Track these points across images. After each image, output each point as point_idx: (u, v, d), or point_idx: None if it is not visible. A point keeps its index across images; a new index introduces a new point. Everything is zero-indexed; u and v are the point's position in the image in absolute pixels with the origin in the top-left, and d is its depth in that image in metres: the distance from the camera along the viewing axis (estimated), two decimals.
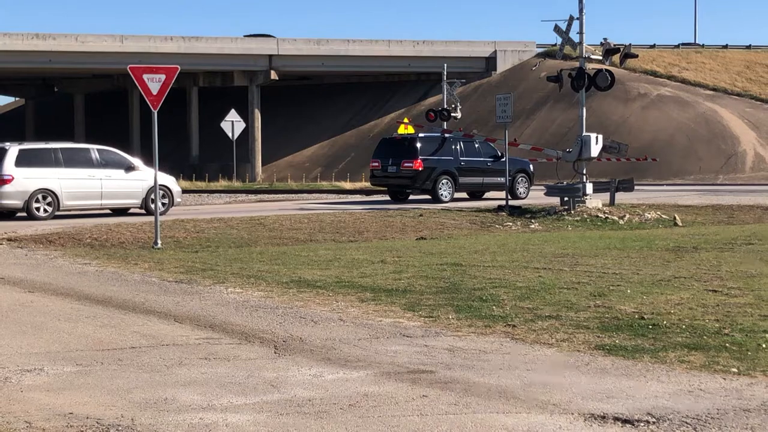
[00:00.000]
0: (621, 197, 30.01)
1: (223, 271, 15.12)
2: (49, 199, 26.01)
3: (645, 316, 10.45)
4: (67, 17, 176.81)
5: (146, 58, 55.82)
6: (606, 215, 26.66)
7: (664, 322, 10.11)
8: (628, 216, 26.61)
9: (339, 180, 55.58)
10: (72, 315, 11.43)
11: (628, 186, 29.80)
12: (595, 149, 28.18)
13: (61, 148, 27.00)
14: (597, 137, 28.35)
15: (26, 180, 25.69)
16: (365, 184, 45.36)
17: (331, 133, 68.87)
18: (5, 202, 25.79)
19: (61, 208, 26.24)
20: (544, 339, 9.62)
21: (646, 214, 26.98)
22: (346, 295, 12.49)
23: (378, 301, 11.92)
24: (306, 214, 27.25)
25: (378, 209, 29.21)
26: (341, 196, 41.65)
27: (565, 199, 27.83)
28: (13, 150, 25.94)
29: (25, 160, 25.86)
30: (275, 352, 9.26)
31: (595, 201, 27.98)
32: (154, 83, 19.38)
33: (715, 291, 12.15)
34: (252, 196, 42.81)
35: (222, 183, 54.92)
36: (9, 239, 20.67)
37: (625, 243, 18.92)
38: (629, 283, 12.90)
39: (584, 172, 28.29)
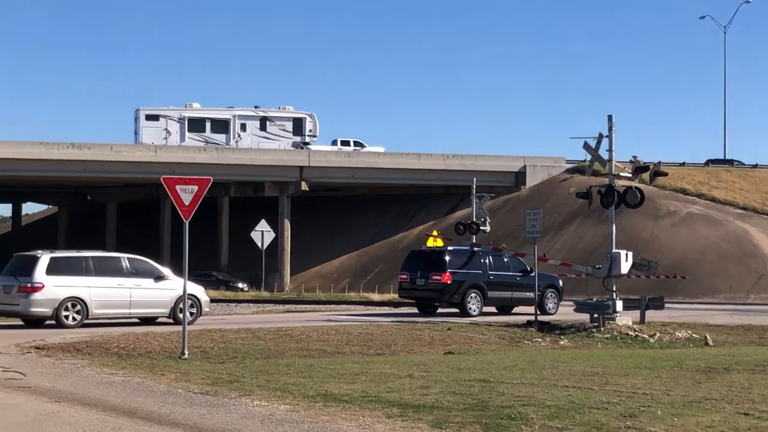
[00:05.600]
0: (651, 315, 29.74)
1: (250, 383, 15.03)
2: (78, 307, 26.08)
3: None
4: (101, 127, 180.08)
5: (179, 168, 56.56)
6: (636, 333, 26.43)
7: None
8: (658, 334, 26.36)
9: (367, 291, 55.50)
10: (97, 427, 11.36)
11: (658, 304, 29.57)
12: (625, 266, 28.07)
13: (91, 257, 27.18)
14: (627, 254, 28.25)
15: (56, 288, 25.81)
16: (393, 296, 45.27)
17: (360, 244, 69.07)
18: (35, 309, 25.89)
19: (89, 317, 26.29)
20: None
21: (676, 333, 26.71)
22: (372, 410, 12.36)
23: (405, 417, 11.79)
24: (334, 325, 27.16)
25: (406, 322, 29.08)
26: (369, 307, 41.55)
27: (595, 315, 27.63)
28: (44, 258, 26.15)
29: (55, 268, 26.03)
30: None
31: (625, 318, 27.76)
32: (186, 194, 19.57)
33: (747, 414, 11.95)
34: (280, 307, 42.79)
35: (250, 293, 54.99)
36: (37, 347, 20.68)
37: (655, 362, 18.71)
38: (660, 404, 12.71)
39: (614, 288, 28.15)
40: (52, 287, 25.77)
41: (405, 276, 34.39)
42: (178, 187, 19.60)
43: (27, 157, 61.20)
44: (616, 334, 26.35)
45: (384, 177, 68.77)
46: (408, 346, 23.09)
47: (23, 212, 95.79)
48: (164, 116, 67.21)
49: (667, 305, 31.65)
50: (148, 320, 27.67)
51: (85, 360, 18.75)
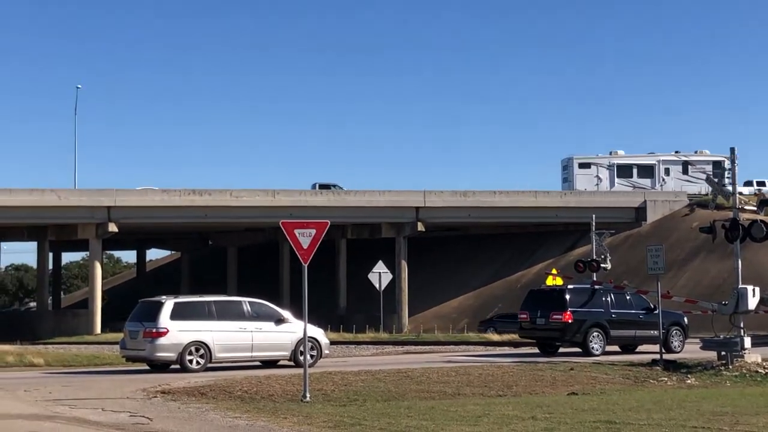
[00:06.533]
0: None
1: (371, 426, 14.99)
2: (202, 351, 26.45)
3: None
4: (220, 173, 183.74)
5: (297, 212, 57.31)
6: (766, 371, 25.63)
7: None
8: None
9: (486, 331, 55.05)
10: None
11: None
12: (753, 302, 27.32)
13: (214, 301, 27.60)
14: (754, 289, 27.52)
15: (180, 333, 26.23)
16: (513, 336, 44.82)
17: (478, 284, 68.69)
18: (160, 354, 26.34)
19: (213, 360, 26.64)
20: None
21: None
22: None
23: None
24: (453, 366, 26.99)
25: (527, 362, 28.73)
26: (489, 348, 41.21)
27: (723, 353, 26.91)
28: (168, 303, 26.64)
29: (179, 313, 26.48)
30: None
31: (753, 356, 26.97)
32: (305, 238, 19.75)
33: None
34: (399, 348, 42.75)
35: (369, 334, 55.03)
36: (163, 392, 21.02)
37: None
38: None
39: (741, 325, 27.39)
40: (176, 332, 26.20)
41: (525, 315, 34.01)
42: (296, 231, 19.80)
43: (150, 204, 62.70)
44: (745, 371, 25.61)
45: (500, 216, 68.39)
46: (530, 387, 22.79)
47: (147, 258, 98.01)
48: (595, 164, 72.44)
49: None
50: (269, 363, 27.91)
51: (209, 404, 18.96)
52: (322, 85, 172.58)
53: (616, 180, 71.61)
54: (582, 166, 71.63)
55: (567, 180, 72.40)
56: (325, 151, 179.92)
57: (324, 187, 70.20)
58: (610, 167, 71.70)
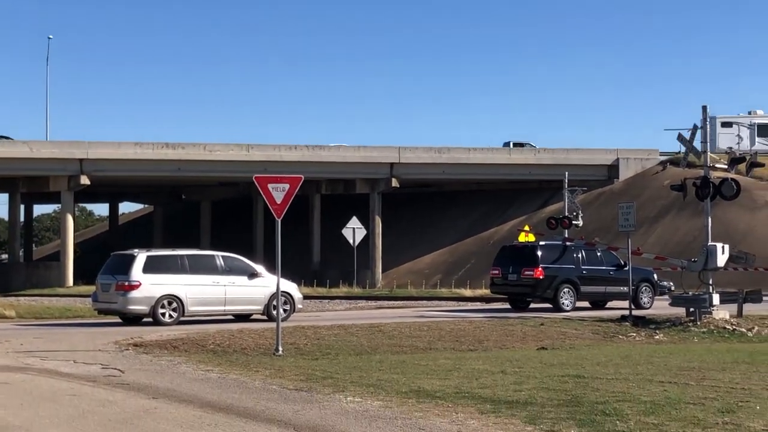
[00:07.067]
0: (749, 308, 29.20)
1: (343, 379, 15.12)
2: (175, 304, 26.51)
3: None
4: (194, 127, 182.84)
5: (271, 167, 57.14)
6: (734, 327, 25.96)
7: None
8: (756, 328, 25.86)
9: (459, 287, 55.38)
10: (194, 423, 11.54)
11: (756, 297, 29.01)
12: (722, 259, 27.60)
13: (187, 255, 27.60)
14: (723, 247, 27.78)
15: (153, 286, 26.26)
16: (485, 292, 45.13)
17: (452, 240, 68.95)
18: (132, 307, 26.38)
19: (185, 314, 26.71)
20: None
21: None
22: (465, 406, 12.34)
23: (498, 414, 11.75)
24: (425, 321, 27.19)
25: (498, 317, 28.98)
26: (461, 303, 41.50)
27: (691, 309, 27.23)
28: (141, 257, 26.63)
29: (152, 266, 26.48)
30: None
31: (722, 312, 27.29)
32: (278, 192, 19.75)
33: None
34: (372, 303, 42.99)
35: (342, 289, 55.28)
36: (135, 344, 21.09)
37: (753, 357, 18.34)
38: (759, 399, 12.46)
39: (710, 282, 27.69)
40: (148, 285, 26.23)
41: (497, 271, 34.26)
42: (270, 186, 19.80)
43: (123, 157, 62.40)
44: (712, 328, 25.93)
45: (474, 173, 68.57)
46: (500, 341, 23.01)
47: (120, 211, 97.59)
48: (736, 123, 72.94)
49: (765, 298, 31.05)
50: (242, 317, 28.01)
51: (181, 357, 19.05)
52: (301, 40, 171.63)
53: (757, 139, 71.97)
54: (724, 125, 71.43)
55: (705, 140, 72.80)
56: (308, 106, 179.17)
57: (518, 145, 71.42)
58: (750, 126, 72.04)
